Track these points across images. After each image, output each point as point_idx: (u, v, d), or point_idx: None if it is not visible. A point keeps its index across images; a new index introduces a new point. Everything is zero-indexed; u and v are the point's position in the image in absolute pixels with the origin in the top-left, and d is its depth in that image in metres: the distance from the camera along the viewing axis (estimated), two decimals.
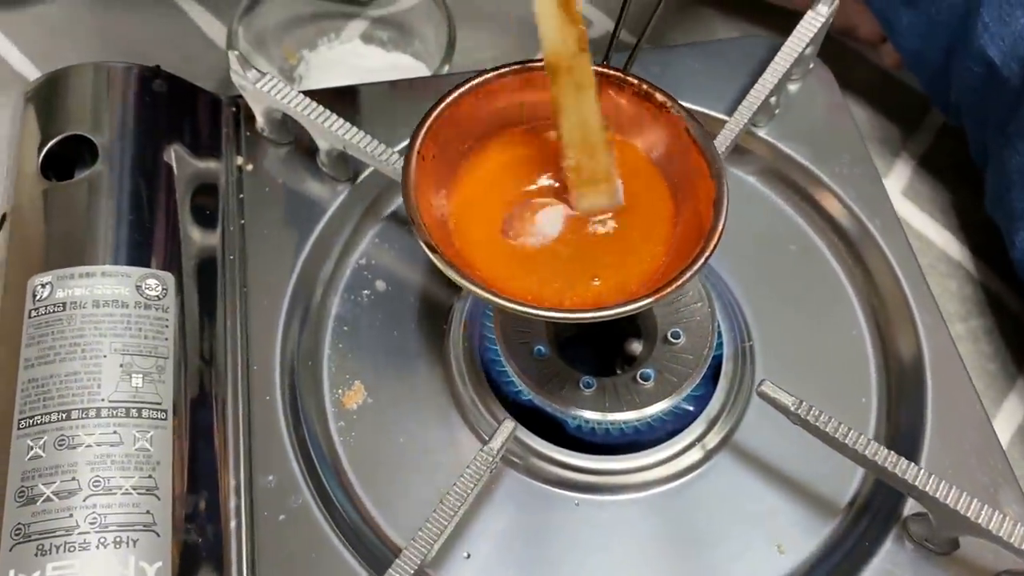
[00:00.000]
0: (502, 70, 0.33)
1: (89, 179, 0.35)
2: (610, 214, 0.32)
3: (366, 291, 0.38)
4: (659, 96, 0.32)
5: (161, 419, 0.32)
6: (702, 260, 0.29)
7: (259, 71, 0.37)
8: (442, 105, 0.32)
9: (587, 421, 0.34)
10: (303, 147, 0.39)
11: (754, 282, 0.38)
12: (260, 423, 0.34)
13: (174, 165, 0.37)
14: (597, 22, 0.52)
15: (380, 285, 0.38)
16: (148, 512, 0.30)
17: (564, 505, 0.34)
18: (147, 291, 0.34)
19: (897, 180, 0.47)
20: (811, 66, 0.42)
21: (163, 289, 0.34)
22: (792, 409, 0.31)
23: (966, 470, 0.33)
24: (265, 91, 0.37)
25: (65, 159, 0.36)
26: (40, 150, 0.36)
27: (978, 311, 0.43)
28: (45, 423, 0.31)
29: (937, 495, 0.30)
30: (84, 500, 0.29)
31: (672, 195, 0.33)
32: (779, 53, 0.39)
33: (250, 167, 0.39)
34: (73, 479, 0.30)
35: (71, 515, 0.29)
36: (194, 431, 0.32)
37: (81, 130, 0.36)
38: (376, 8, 0.49)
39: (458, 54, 0.45)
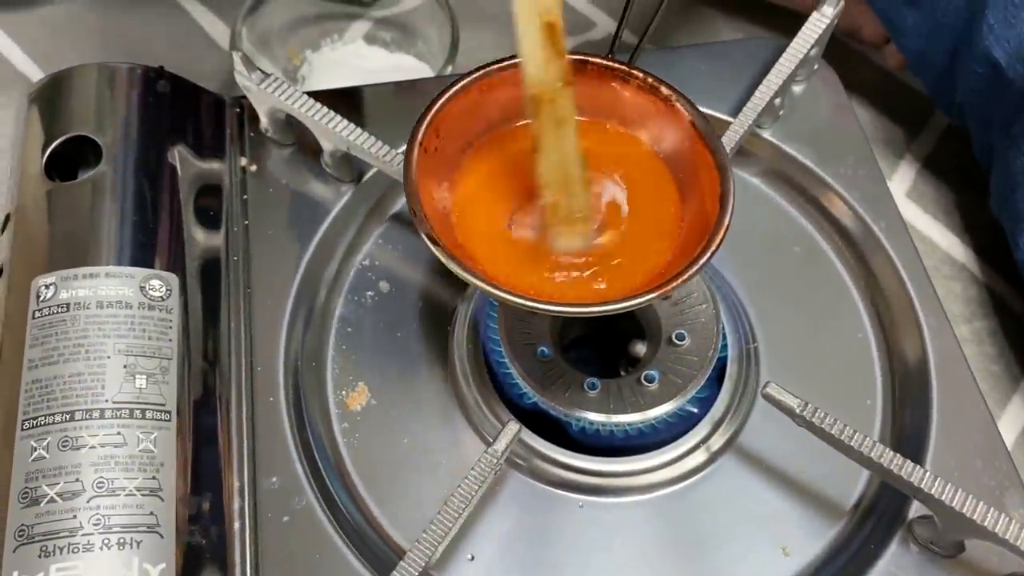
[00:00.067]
0: (505, 63, 0.32)
1: (93, 180, 0.35)
2: (598, 240, 0.32)
3: (370, 292, 0.38)
4: (664, 89, 0.32)
5: (165, 420, 0.32)
6: (708, 254, 0.29)
7: (263, 72, 0.37)
8: (444, 97, 0.32)
9: (591, 423, 0.34)
10: (307, 148, 0.39)
11: (758, 284, 0.38)
12: (264, 424, 0.34)
13: (178, 166, 0.37)
14: (600, 23, 0.52)
15: (384, 286, 0.38)
16: (152, 513, 0.30)
17: (568, 507, 0.34)
18: (151, 292, 0.34)
19: (901, 182, 0.47)
20: (815, 67, 0.42)
21: (167, 290, 0.34)
22: (797, 411, 0.31)
23: (972, 473, 0.33)
24: (269, 92, 0.37)
25: (69, 160, 0.36)
26: (44, 151, 0.36)
27: (982, 313, 0.43)
28: (49, 424, 0.30)
29: (943, 498, 0.30)
30: (88, 501, 0.29)
31: (678, 191, 0.33)
32: (784, 55, 0.39)
33: (254, 168, 0.39)
34: (77, 480, 0.30)
35: (75, 516, 0.29)
36: (198, 432, 0.32)
37: (85, 131, 0.36)
38: (379, 9, 0.49)
39: (461, 55, 0.45)
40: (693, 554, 0.33)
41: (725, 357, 0.36)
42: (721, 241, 0.29)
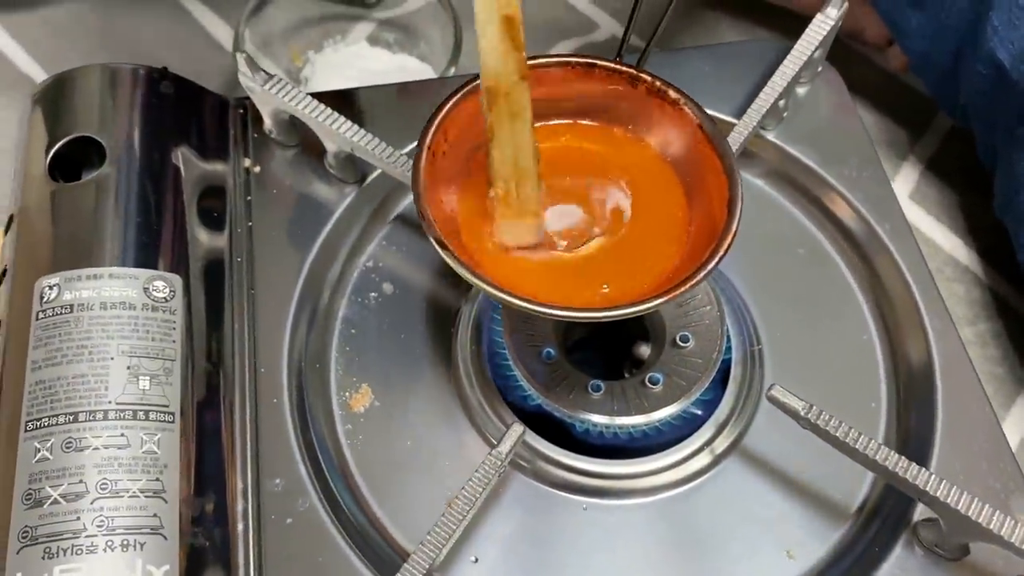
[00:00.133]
0: None
1: (96, 181, 0.35)
2: (598, 232, 0.32)
3: (373, 293, 0.38)
4: (672, 93, 0.32)
5: (168, 422, 0.32)
6: (715, 260, 0.29)
7: (267, 73, 0.37)
8: (452, 101, 0.32)
9: (595, 425, 0.34)
10: (311, 149, 0.39)
11: (763, 285, 0.38)
12: (267, 426, 0.34)
13: (181, 167, 0.37)
14: (603, 24, 0.52)
15: (387, 287, 0.38)
16: (155, 515, 0.30)
17: (572, 509, 0.34)
18: (154, 293, 0.33)
19: (904, 183, 0.47)
20: (819, 69, 0.42)
21: (171, 291, 0.34)
22: (802, 414, 0.31)
23: (977, 475, 0.33)
24: (273, 93, 0.37)
25: (72, 161, 0.36)
26: (48, 152, 0.36)
27: (986, 315, 0.43)
28: (52, 425, 0.30)
29: (948, 500, 0.30)
30: (91, 503, 0.29)
31: (686, 195, 0.32)
32: (788, 56, 0.39)
33: (257, 169, 0.39)
34: (80, 482, 0.30)
35: (78, 518, 0.29)
36: (201, 434, 0.32)
37: (88, 132, 0.36)
38: (382, 10, 0.49)
39: (464, 56, 0.45)
40: (697, 557, 0.33)
41: (729, 359, 0.36)
42: (728, 247, 0.29)
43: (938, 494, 0.30)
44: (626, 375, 0.37)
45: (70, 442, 0.30)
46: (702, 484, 0.34)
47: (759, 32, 0.51)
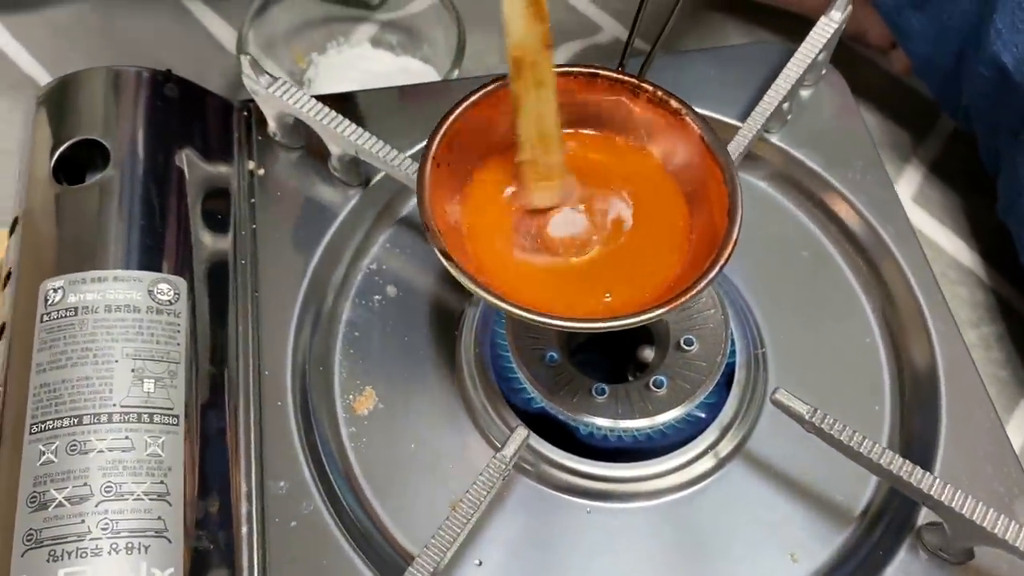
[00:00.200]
0: None
1: (101, 183, 0.35)
2: (614, 221, 0.32)
3: (377, 296, 0.38)
4: (674, 103, 0.32)
5: (173, 424, 0.32)
6: (716, 270, 0.29)
7: (271, 76, 0.37)
8: (456, 112, 0.32)
9: (599, 428, 0.34)
10: (315, 152, 0.39)
11: (766, 288, 0.38)
12: (271, 428, 0.34)
13: (185, 169, 0.37)
14: (606, 27, 0.52)
15: (391, 290, 0.38)
16: (160, 518, 0.30)
17: (576, 512, 0.34)
18: (159, 296, 0.34)
19: (907, 186, 0.47)
20: (823, 72, 0.42)
21: (175, 294, 0.34)
22: (807, 417, 0.31)
23: (981, 479, 0.33)
24: (277, 96, 0.37)
25: (76, 163, 0.36)
26: (52, 154, 0.36)
27: (989, 318, 0.43)
28: (57, 428, 0.30)
29: (952, 504, 0.30)
30: (96, 506, 0.29)
31: (687, 203, 0.33)
32: (792, 59, 0.39)
33: (262, 171, 0.39)
34: (85, 484, 0.30)
35: (83, 521, 0.29)
36: (205, 436, 0.32)
37: (93, 134, 0.36)
38: (385, 12, 0.49)
39: (468, 59, 0.45)
40: (701, 560, 0.33)
41: (733, 363, 0.36)
42: (729, 256, 0.29)
43: (942, 498, 0.30)
44: (630, 378, 0.37)
45: (74, 445, 0.30)
46: (706, 487, 0.34)
47: (762, 34, 0.51)
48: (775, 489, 0.34)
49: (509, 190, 0.33)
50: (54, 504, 0.29)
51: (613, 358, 0.38)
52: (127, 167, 0.36)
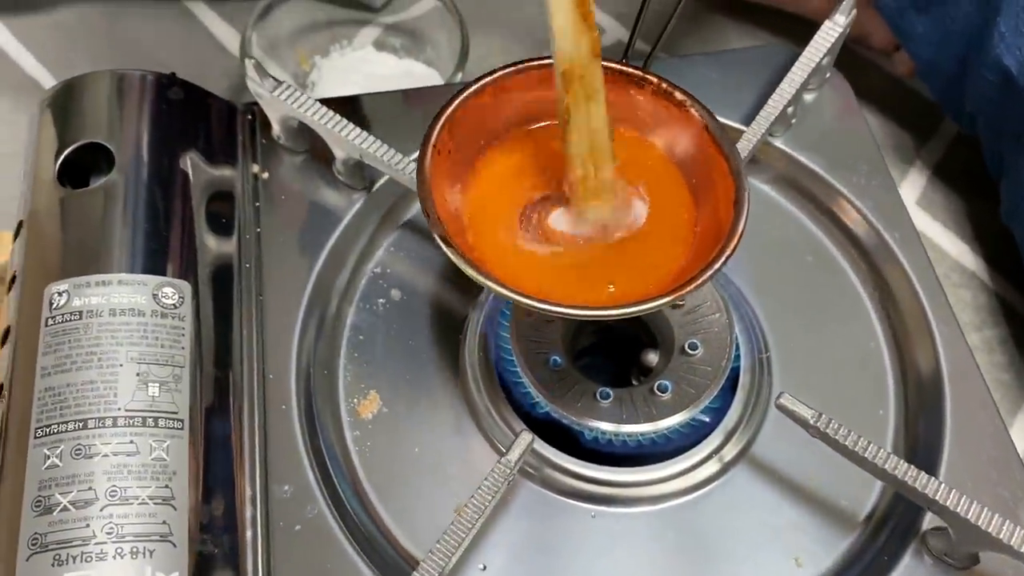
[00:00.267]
0: (519, 66, 0.33)
1: (105, 187, 0.35)
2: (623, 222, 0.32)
3: (381, 300, 0.38)
4: (678, 94, 0.32)
5: (177, 428, 0.32)
6: (721, 260, 0.29)
7: (276, 79, 0.37)
8: (458, 99, 0.32)
9: (603, 433, 0.34)
10: (319, 155, 0.39)
11: (770, 292, 0.38)
12: (276, 432, 0.34)
13: (190, 173, 0.37)
14: (609, 29, 0.52)
15: (395, 294, 0.38)
16: (164, 522, 0.30)
17: (580, 517, 0.34)
18: (163, 299, 0.34)
19: (911, 189, 0.47)
20: (827, 76, 0.42)
21: (179, 297, 0.34)
22: (811, 422, 0.31)
23: (986, 484, 0.33)
24: (282, 99, 0.37)
25: (81, 167, 0.36)
26: (57, 157, 0.36)
27: (992, 321, 0.43)
28: (62, 432, 0.30)
29: (957, 510, 0.30)
30: (101, 510, 0.29)
31: (692, 196, 0.33)
32: (797, 63, 0.39)
33: (266, 175, 0.39)
34: (90, 489, 0.30)
35: (88, 525, 0.29)
36: (210, 440, 0.32)
37: (97, 138, 0.36)
38: (389, 15, 0.49)
39: (471, 62, 0.45)
40: (705, 565, 0.33)
41: (738, 367, 0.36)
42: (735, 247, 0.29)
43: (947, 503, 0.30)
44: (634, 383, 0.37)
45: (79, 449, 0.30)
46: (710, 492, 0.34)
47: (763, 36, 0.51)
48: (779, 494, 0.34)
49: (515, 182, 0.33)
50: (59, 508, 0.29)
51: (617, 362, 0.38)
52: (131, 170, 0.36)
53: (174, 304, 0.34)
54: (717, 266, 0.29)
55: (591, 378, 0.35)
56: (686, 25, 0.51)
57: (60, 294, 0.33)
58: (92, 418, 0.31)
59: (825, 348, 0.37)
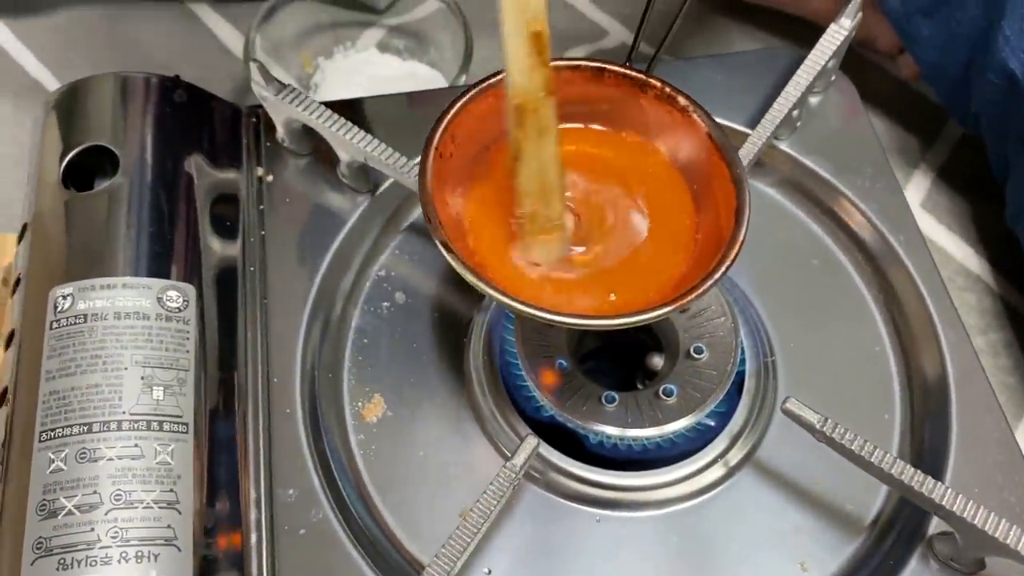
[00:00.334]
0: None
1: (109, 190, 0.35)
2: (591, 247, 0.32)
3: (386, 303, 0.38)
4: (681, 99, 0.32)
5: (182, 432, 0.31)
6: (722, 270, 0.29)
7: (280, 83, 0.37)
8: (460, 103, 0.32)
9: (608, 437, 0.34)
10: (323, 158, 0.39)
11: (776, 296, 0.38)
12: (280, 436, 0.34)
13: (194, 175, 0.37)
14: (612, 32, 0.52)
15: (400, 297, 0.38)
16: (169, 526, 0.30)
17: (585, 521, 0.33)
18: (168, 303, 0.33)
19: (916, 192, 0.47)
20: (832, 79, 0.42)
21: (184, 301, 0.34)
22: (817, 427, 0.31)
23: (992, 488, 0.33)
24: (286, 102, 0.37)
25: (86, 169, 0.36)
26: (61, 160, 0.36)
27: (997, 324, 0.43)
28: (67, 436, 0.30)
29: (964, 515, 0.29)
30: (106, 514, 0.29)
31: (694, 202, 0.32)
32: (802, 66, 0.39)
33: (270, 178, 0.39)
34: (95, 492, 0.30)
35: (92, 529, 0.29)
36: (214, 444, 0.32)
37: (102, 140, 0.36)
38: (392, 17, 0.49)
39: (475, 64, 0.45)
40: (710, 569, 0.33)
41: (743, 371, 0.36)
42: (735, 256, 0.29)
43: (953, 508, 0.30)
44: (639, 386, 0.37)
45: (84, 453, 0.30)
46: (715, 496, 0.34)
47: (770, 40, 0.51)
48: (785, 498, 0.34)
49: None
50: (64, 512, 0.29)
51: (623, 366, 0.38)
52: (136, 173, 0.36)
53: (178, 307, 0.34)
54: (717, 276, 0.29)
55: (596, 382, 0.35)
56: (690, 27, 0.51)
57: (64, 297, 0.33)
58: (97, 422, 0.31)
59: (830, 351, 0.37)
